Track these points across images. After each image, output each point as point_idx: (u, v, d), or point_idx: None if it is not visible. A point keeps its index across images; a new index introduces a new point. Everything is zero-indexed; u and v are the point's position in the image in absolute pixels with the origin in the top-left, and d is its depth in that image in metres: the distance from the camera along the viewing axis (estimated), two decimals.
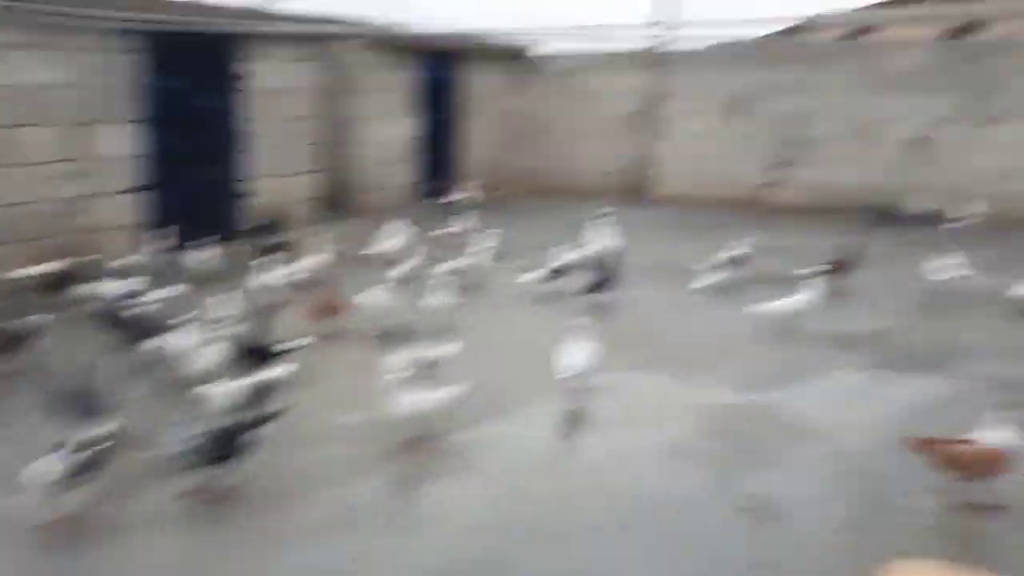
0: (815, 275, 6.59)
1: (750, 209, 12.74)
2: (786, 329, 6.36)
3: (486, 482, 4.14)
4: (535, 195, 14.76)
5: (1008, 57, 11.55)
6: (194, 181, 9.74)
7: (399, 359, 4.66)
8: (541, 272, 7.54)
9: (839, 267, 7.63)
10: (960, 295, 7.30)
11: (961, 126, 11.83)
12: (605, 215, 9.64)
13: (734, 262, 7.97)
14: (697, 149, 13.82)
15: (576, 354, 4.86)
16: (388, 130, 12.64)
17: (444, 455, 4.39)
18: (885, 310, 7.16)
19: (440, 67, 13.64)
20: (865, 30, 18.15)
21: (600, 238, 8.47)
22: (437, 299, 6.49)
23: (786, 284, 6.74)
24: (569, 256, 7.80)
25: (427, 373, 4.77)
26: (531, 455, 4.47)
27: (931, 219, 10.90)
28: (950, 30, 14.26)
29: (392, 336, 4.90)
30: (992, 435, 3.64)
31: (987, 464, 3.62)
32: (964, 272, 7.39)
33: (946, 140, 11.94)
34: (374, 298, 6.49)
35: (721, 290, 7.54)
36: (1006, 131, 11.56)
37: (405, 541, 3.57)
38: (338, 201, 12.09)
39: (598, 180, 14.78)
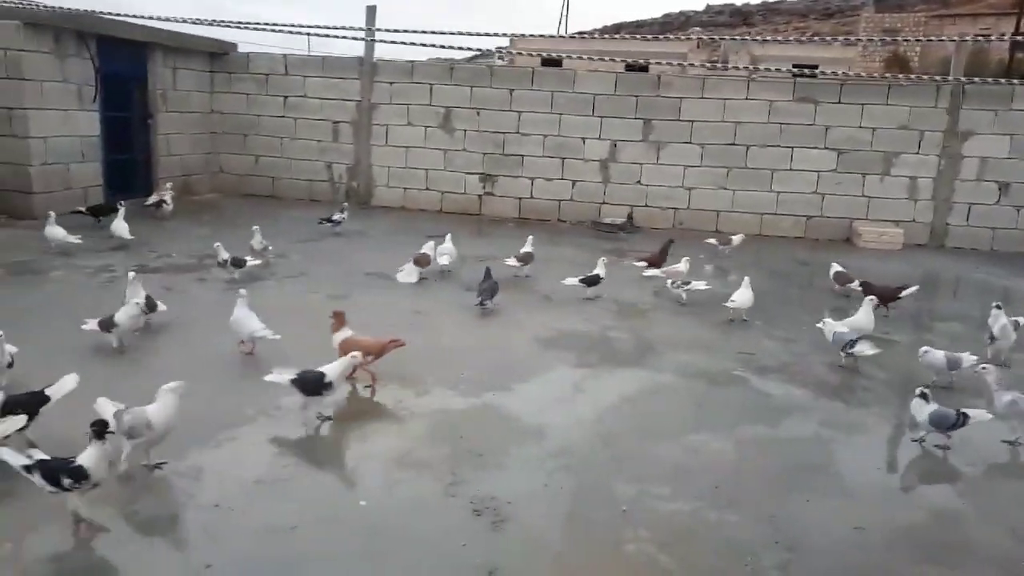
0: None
1: (464, 219, 13.19)
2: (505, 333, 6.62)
3: (193, 512, 3.71)
4: (242, 200, 13.88)
5: (668, 91, 13.27)
6: None
7: None
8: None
9: (659, 260, 8.93)
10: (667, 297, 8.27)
11: (638, 148, 13.38)
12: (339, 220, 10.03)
13: (522, 260, 8.73)
14: (409, 160, 13.99)
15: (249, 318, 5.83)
16: (61, 125, 10.98)
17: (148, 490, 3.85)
18: (595, 311, 7.77)
19: (126, 59, 12.21)
20: (555, 60, 19.77)
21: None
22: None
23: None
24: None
25: None
26: (250, 480, 4.08)
27: (628, 228, 12.80)
28: (623, 65, 16.07)
29: None
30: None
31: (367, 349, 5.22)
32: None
33: (627, 160, 13.42)
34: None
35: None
36: (669, 154, 13.30)
37: None
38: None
39: (309, 186, 14.34)
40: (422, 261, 8.45)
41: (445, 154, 13.85)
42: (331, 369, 4.81)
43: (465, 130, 13.72)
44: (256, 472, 4.17)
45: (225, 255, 7.93)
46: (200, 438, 4.47)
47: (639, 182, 13.45)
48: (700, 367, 6.23)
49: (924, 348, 5.97)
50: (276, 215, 12.29)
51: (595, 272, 8.22)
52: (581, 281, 8.14)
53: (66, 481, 3.40)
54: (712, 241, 10.71)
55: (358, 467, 4.30)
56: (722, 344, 6.89)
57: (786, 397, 5.71)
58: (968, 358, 5.86)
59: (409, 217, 13.21)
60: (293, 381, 4.75)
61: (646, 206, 13.46)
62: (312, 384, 4.74)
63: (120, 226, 9.37)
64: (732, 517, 3.92)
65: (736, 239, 10.65)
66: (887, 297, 7.73)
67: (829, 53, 27.72)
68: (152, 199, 11.58)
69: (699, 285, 8.14)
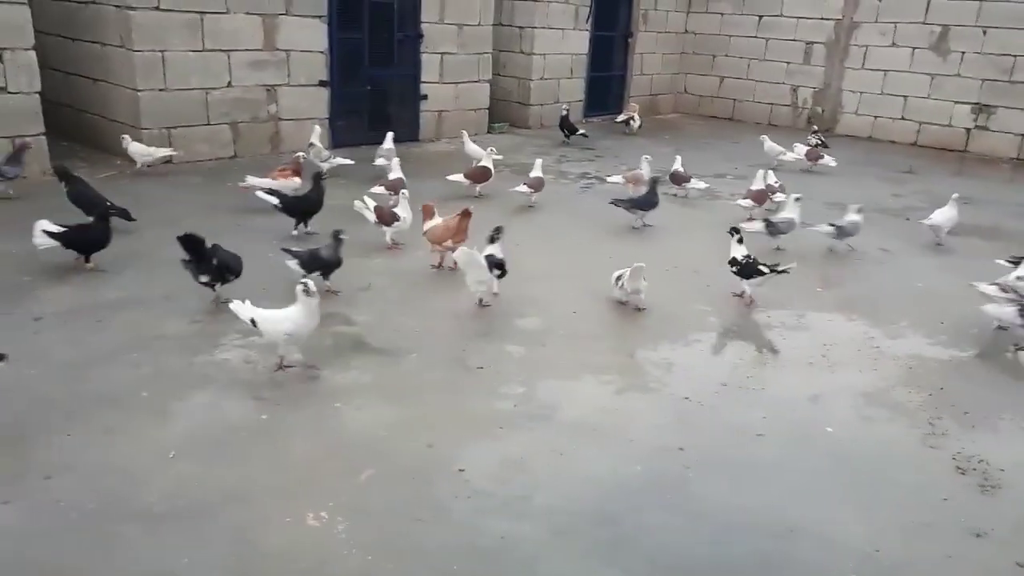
0: None
1: (941, 155, 11.67)
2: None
3: (667, 400, 4.04)
4: (702, 121, 14.13)
5: None
6: (371, 79, 9.91)
7: None
8: None
9: None
10: None
11: None
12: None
13: None
14: (886, 85, 12.67)
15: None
16: (558, 43, 12.27)
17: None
18: None
19: None
20: None
21: None
22: None
23: None
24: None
25: None
26: (716, 381, 4.30)
27: None
28: None
29: None
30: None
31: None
32: None
33: None
34: None
35: None
36: None
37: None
38: (501, 113, 12.00)
39: (769, 110, 13.94)
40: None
41: (932, 79, 12.22)
42: None
43: (963, 52, 11.88)
44: (721, 375, 4.38)
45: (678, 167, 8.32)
46: (671, 337, 4.83)
47: None
48: None
49: None
50: (736, 138, 12.27)
51: None
52: None
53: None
54: None
55: (824, 395, 4.22)
56: None
57: None
58: None
59: (877, 149, 12.10)
60: None
61: None
62: None
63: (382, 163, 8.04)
64: None
65: None
66: None
67: None
68: (622, 116, 12.43)
69: None
